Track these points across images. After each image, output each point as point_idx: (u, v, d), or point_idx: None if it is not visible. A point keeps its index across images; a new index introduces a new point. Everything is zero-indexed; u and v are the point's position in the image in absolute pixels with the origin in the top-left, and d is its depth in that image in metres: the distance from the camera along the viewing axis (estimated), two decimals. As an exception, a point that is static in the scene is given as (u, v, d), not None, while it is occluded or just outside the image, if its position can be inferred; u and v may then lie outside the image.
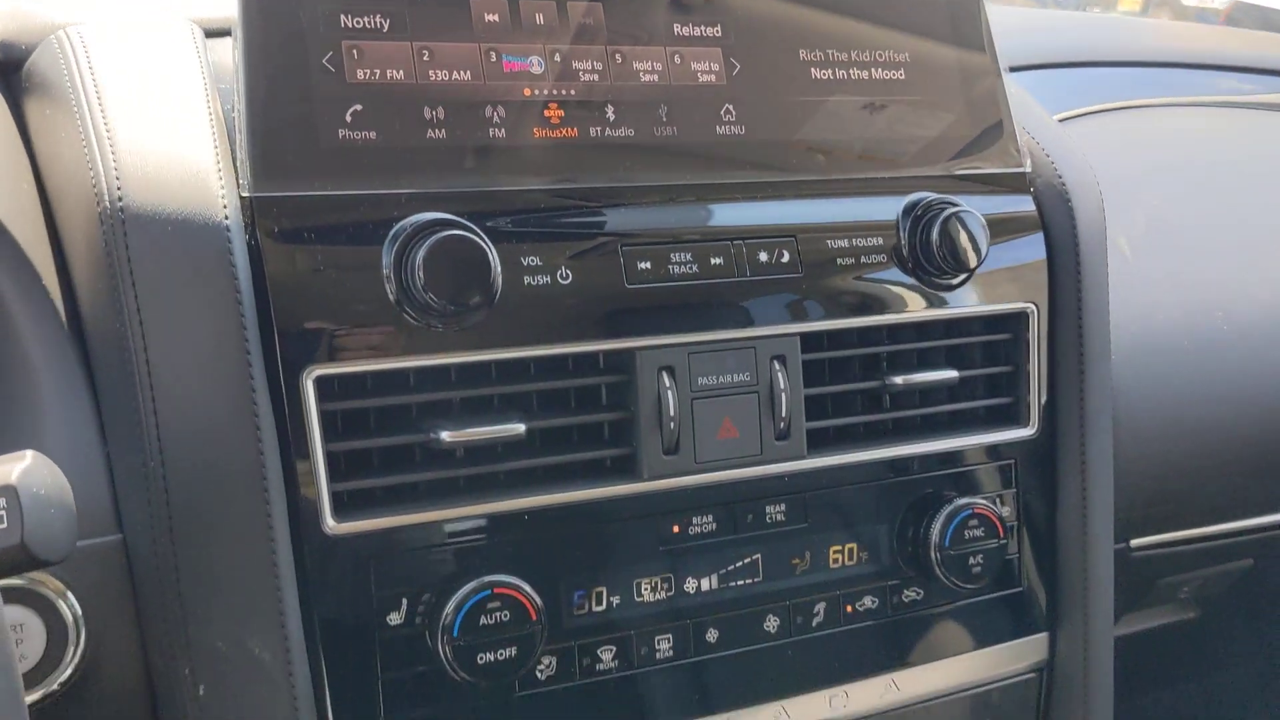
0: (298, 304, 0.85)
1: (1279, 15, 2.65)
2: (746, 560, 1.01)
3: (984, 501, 1.07)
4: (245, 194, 0.85)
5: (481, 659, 0.88)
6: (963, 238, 1.04)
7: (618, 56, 0.97)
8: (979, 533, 1.06)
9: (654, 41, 0.98)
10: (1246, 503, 1.37)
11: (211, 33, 1.00)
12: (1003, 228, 1.11)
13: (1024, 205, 1.14)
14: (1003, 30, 1.16)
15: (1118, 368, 1.21)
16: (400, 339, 0.87)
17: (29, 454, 0.66)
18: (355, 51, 0.88)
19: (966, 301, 1.09)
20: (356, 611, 0.88)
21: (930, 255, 1.05)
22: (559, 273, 0.92)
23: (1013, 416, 1.13)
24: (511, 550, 0.92)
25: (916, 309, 1.07)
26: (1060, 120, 1.50)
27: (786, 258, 1.01)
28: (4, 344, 0.87)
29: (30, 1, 1.04)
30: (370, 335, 0.87)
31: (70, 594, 0.84)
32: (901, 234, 1.06)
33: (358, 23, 0.89)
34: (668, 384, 0.95)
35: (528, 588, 0.90)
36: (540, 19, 0.95)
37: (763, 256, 1.00)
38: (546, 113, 0.94)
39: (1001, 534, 1.07)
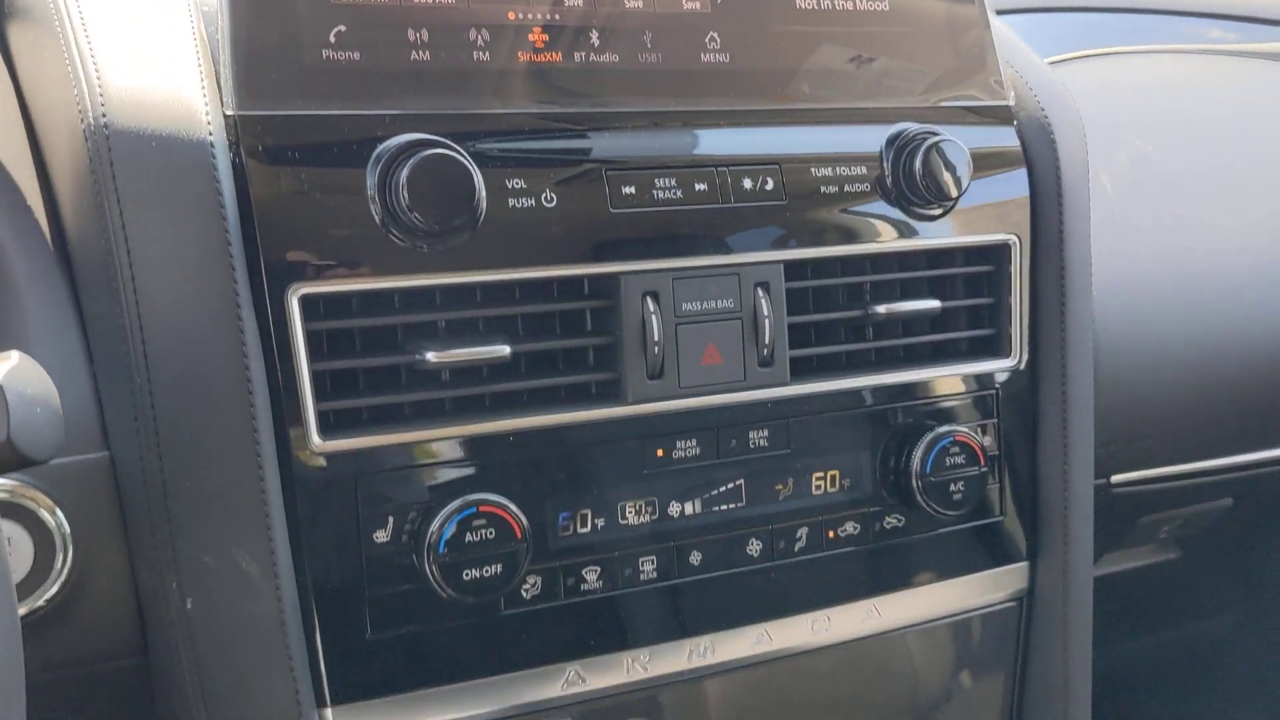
0: (282, 222, 0.85)
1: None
2: (730, 485, 1.02)
3: (965, 429, 1.08)
4: (229, 112, 0.86)
5: (467, 575, 0.89)
6: (945, 167, 1.05)
7: (602, -19, 0.97)
8: (960, 460, 1.07)
9: (638, -33, 0.98)
10: (1227, 441, 1.38)
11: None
12: (986, 160, 1.11)
13: (1007, 138, 1.14)
14: (990, -30, 1.17)
15: (1100, 305, 1.22)
16: (385, 259, 0.88)
17: (15, 354, 0.67)
18: (339, -29, 0.88)
19: (949, 232, 1.10)
20: (343, 529, 0.88)
21: (913, 185, 1.05)
22: (543, 196, 0.93)
23: (995, 348, 1.14)
24: (497, 472, 0.93)
25: (899, 239, 1.07)
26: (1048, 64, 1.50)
27: (770, 185, 1.01)
28: (-11, 263, 0.87)
29: (12, -73, 1.03)
30: (355, 255, 0.87)
31: (59, 510, 0.85)
32: (885, 164, 1.06)
33: (341, -57, 0.89)
34: (652, 309, 0.96)
35: (513, 507, 0.91)
36: (525, -58, 0.95)
37: (747, 184, 1.00)
38: (531, 37, 0.95)
39: (983, 462, 1.09)
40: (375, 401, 0.90)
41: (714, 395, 0.99)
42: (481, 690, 0.94)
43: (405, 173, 0.86)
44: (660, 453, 0.99)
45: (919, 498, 1.06)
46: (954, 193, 1.06)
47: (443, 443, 0.91)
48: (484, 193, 0.89)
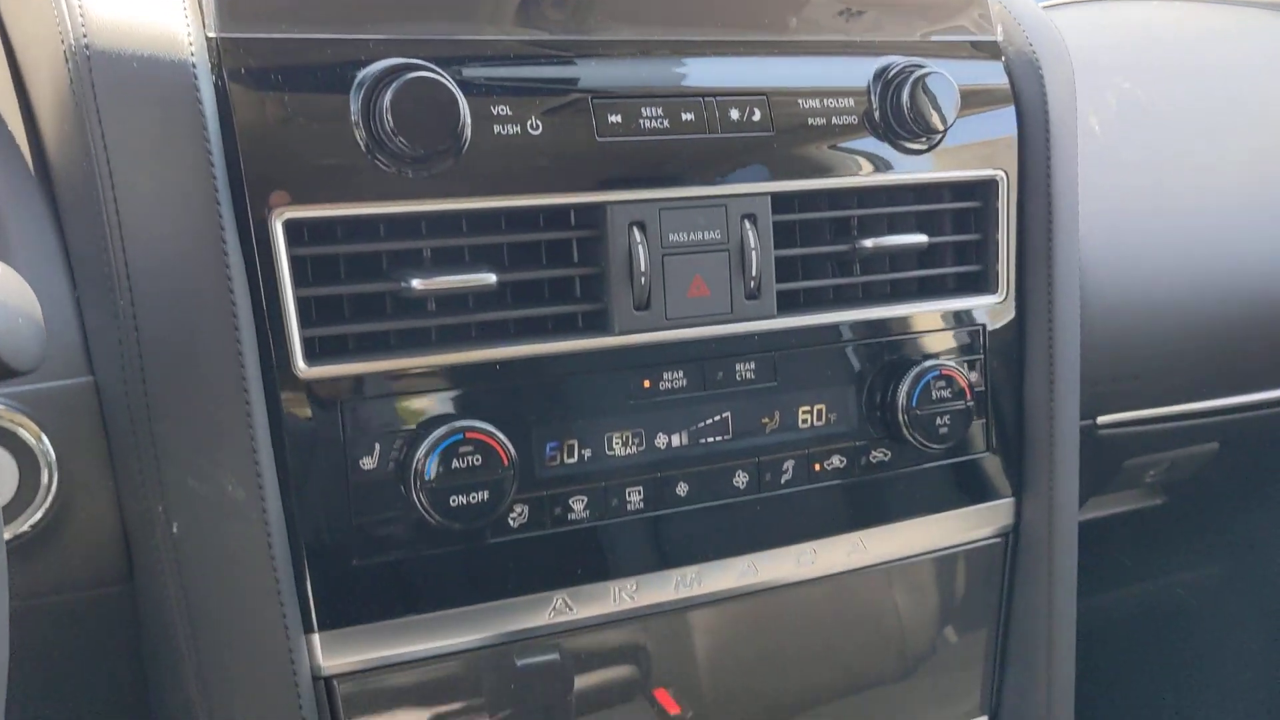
0: (265, 146, 0.85)
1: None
2: (716, 417, 1.02)
3: (952, 364, 1.09)
4: (211, 34, 0.85)
5: (454, 501, 0.89)
6: (932, 100, 1.05)
7: (588, -92, 0.96)
8: (946, 394, 1.07)
9: (624, -106, 0.98)
10: (1213, 384, 1.39)
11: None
12: (974, 96, 1.11)
13: (995, 74, 1.14)
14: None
15: (1086, 244, 1.22)
16: (369, 184, 0.87)
17: (-4, 264, 0.66)
18: (321, -107, 0.87)
19: (937, 167, 1.10)
20: (329, 455, 0.88)
21: (901, 118, 1.05)
22: (529, 123, 0.92)
23: (981, 284, 1.14)
24: (484, 401, 0.93)
25: (887, 173, 1.07)
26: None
27: (758, 116, 1.01)
28: (-30, 189, 0.87)
29: None
30: (339, 180, 0.87)
31: (45, 436, 0.85)
32: (872, 98, 1.06)
33: None
34: (639, 239, 0.95)
35: (500, 435, 0.91)
36: None
37: (734, 114, 1.00)
38: (515, -38, 0.94)
39: (969, 396, 1.09)
40: (361, 329, 0.90)
41: (701, 327, 0.99)
42: (468, 618, 0.94)
43: (389, 96, 0.85)
44: (647, 384, 0.99)
45: (905, 431, 1.07)
46: (940, 126, 1.06)
47: (429, 371, 0.91)
48: (469, 118, 0.88)
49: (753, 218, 1.00)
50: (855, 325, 1.07)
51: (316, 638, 0.89)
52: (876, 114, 1.06)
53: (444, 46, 0.90)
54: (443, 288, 0.90)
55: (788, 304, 1.03)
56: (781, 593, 1.07)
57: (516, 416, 0.94)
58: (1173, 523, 1.71)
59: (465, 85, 0.89)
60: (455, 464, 0.89)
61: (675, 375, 1.00)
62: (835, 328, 1.06)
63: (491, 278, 0.91)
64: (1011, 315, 1.15)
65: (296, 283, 0.86)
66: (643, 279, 0.96)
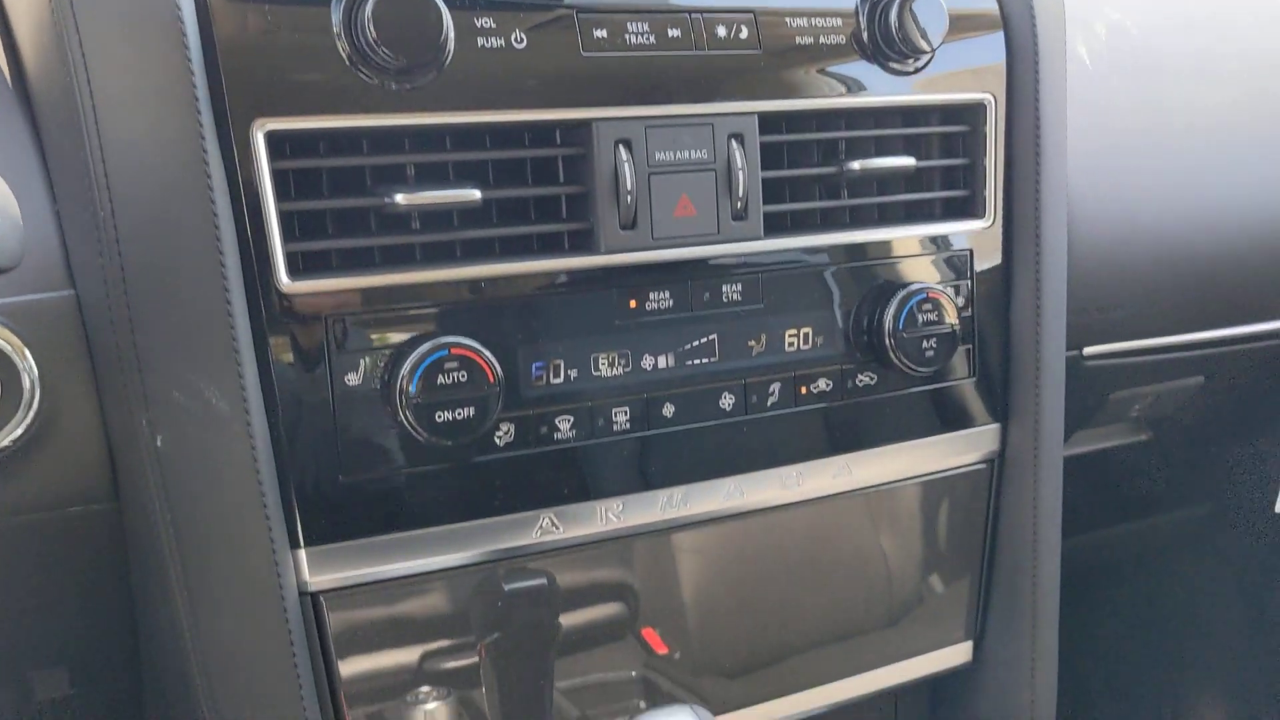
0: (246, 57, 0.84)
1: None
2: (703, 339, 1.02)
3: (938, 288, 1.09)
4: (190, -57, 0.84)
5: (440, 417, 0.89)
6: (920, 19, 1.04)
7: None
8: (932, 317, 1.07)
9: None
10: (1198, 316, 1.39)
11: None
12: (963, 21, 1.11)
13: (985, -2, 1.13)
14: None
15: (1074, 173, 1.21)
16: (352, 97, 0.87)
17: (-29, 162, 0.66)
18: None
19: (925, 90, 1.09)
20: (314, 370, 0.88)
21: (889, 38, 1.04)
22: (513, 36, 0.91)
23: (969, 209, 1.14)
24: (469, 318, 0.92)
25: (875, 95, 1.07)
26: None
27: (745, 34, 1.00)
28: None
29: None
30: (321, 92, 0.86)
31: (27, 351, 0.84)
32: (860, 18, 1.05)
33: None
34: (624, 157, 0.95)
35: (486, 352, 0.91)
36: None
37: (721, 31, 0.99)
38: (500, -125, 0.93)
39: (955, 320, 1.09)
40: (344, 244, 0.89)
41: (687, 248, 0.99)
42: (454, 536, 0.94)
43: (370, 7, 0.84)
44: (633, 304, 0.99)
45: (891, 354, 1.07)
46: (927, 48, 1.05)
47: (413, 288, 0.91)
48: (452, 30, 0.87)
49: (740, 137, 0.99)
50: (842, 249, 1.07)
51: (303, 553, 0.89)
52: (865, 35, 1.05)
53: (427, -42, 0.89)
54: (427, 203, 0.89)
55: (775, 226, 1.03)
56: (767, 516, 1.07)
57: (502, 335, 0.94)
58: (1156, 460, 1.72)
59: (447, -2, 0.88)
60: (440, 379, 0.89)
61: (662, 296, 1.00)
62: (822, 250, 1.06)
63: (476, 194, 0.91)
64: (998, 240, 1.15)
65: (279, 196, 0.85)
66: (629, 198, 0.95)
